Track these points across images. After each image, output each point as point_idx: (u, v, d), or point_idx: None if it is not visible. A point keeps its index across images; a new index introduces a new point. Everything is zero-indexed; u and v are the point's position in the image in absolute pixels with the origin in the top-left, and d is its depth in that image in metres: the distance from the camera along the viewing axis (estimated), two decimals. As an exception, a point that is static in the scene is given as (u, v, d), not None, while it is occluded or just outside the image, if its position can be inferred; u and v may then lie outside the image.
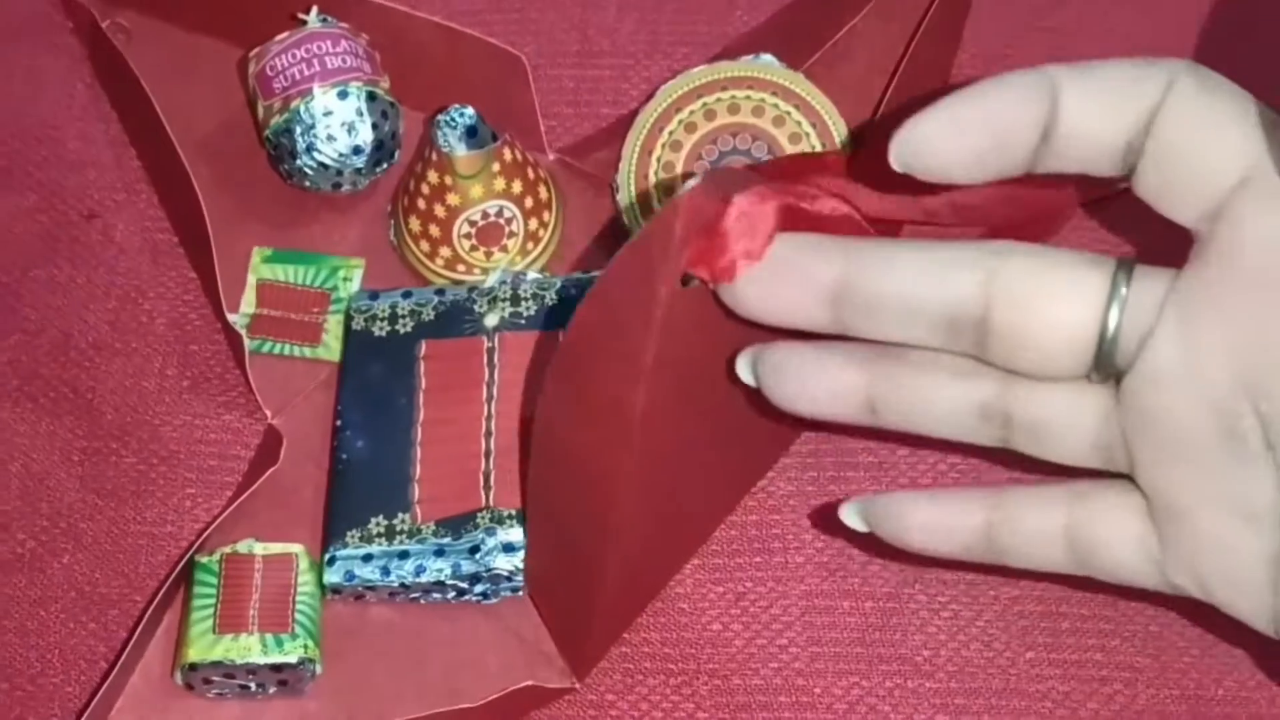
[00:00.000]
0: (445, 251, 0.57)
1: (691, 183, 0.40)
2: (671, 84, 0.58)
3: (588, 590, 0.50)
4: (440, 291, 0.57)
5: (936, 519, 0.46)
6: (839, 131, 0.57)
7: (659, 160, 0.58)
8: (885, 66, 0.57)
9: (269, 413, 0.57)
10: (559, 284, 0.56)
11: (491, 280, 0.57)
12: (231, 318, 0.56)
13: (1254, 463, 0.41)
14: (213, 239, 0.55)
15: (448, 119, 0.58)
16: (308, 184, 0.59)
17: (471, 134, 0.58)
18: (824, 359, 0.45)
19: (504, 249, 0.58)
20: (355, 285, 0.59)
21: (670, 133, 0.58)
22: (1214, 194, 0.40)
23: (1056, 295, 0.41)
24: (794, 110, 0.57)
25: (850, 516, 0.47)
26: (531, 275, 0.57)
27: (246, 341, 0.56)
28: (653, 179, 0.58)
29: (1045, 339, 0.41)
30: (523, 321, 0.55)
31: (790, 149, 0.57)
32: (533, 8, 0.66)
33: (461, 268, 0.58)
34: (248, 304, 0.58)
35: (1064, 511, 0.45)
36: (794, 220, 0.44)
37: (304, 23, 0.60)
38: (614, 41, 0.65)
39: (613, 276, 0.42)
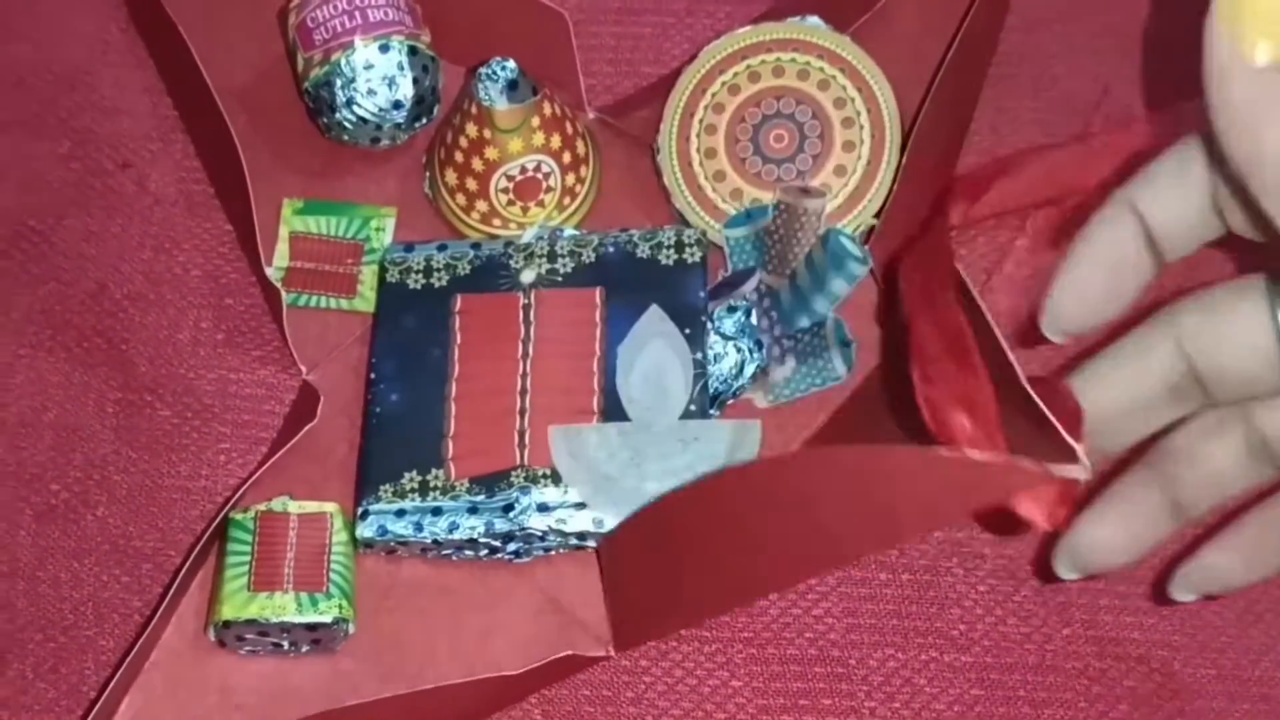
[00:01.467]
0: (482, 205, 0.57)
1: (1024, 462, 0.38)
2: (715, 44, 0.57)
3: (671, 607, 0.50)
4: (476, 245, 0.56)
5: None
6: (884, 96, 0.56)
7: (701, 122, 0.57)
8: (936, 29, 0.56)
9: (304, 369, 0.56)
10: (596, 241, 0.56)
11: (528, 236, 0.56)
12: (267, 271, 0.56)
13: None
14: (251, 191, 0.55)
15: (489, 72, 0.57)
16: (346, 138, 0.58)
17: (512, 88, 0.58)
18: (1121, 505, 0.46)
19: (541, 204, 0.57)
20: (388, 235, 0.58)
21: (713, 94, 0.57)
22: None
23: (1235, 331, 0.44)
24: (839, 74, 0.56)
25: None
26: (568, 232, 0.56)
27: (284, 295, 0.55)
28: (694, 141, 0.57)
29: (1244, 368, 0.44)
30: (559, 279, 0.55)
31: (835, 114, 0.56)
32: (574, -38, 0.65)
33: (498, 222, 0.57)
34: (281, 257, 0.58)
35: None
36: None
37: (345, -27, 0.59)
38: (656, -1, 0.64)
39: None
